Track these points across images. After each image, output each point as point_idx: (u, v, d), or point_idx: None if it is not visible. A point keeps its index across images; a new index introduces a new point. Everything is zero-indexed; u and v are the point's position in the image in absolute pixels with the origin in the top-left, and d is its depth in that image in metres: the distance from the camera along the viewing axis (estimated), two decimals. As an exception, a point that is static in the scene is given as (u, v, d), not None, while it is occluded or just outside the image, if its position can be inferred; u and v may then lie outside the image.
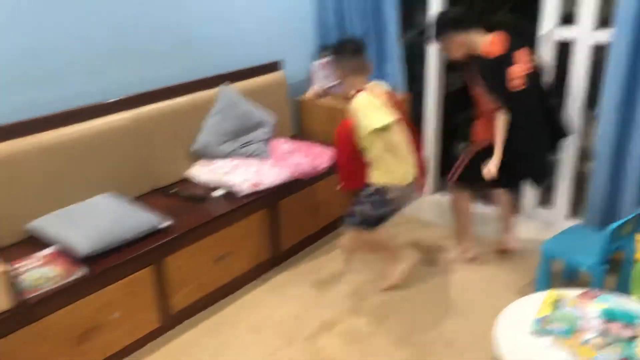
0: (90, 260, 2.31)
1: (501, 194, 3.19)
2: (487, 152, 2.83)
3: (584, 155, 3.41)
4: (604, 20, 3.04)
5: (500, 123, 2.73)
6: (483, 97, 2.84)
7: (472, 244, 3.19)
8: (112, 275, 2.33)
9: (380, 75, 3.85)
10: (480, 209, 3.54)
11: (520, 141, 2.79)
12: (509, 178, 2.94)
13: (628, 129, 2.91)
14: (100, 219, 2.43)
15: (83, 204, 2.61)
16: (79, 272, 2.23)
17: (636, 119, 2.83)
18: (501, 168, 2.80)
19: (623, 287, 2.62)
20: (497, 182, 2.89)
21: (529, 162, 2.92)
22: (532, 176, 2.99)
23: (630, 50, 2.77)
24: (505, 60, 2.73)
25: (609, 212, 3.07)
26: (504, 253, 3.24)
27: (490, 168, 2.78)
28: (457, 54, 2.86)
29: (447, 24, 2.84)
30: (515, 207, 3.27)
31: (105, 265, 2.31)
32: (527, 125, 2.78)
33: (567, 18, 3.14)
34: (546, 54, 3.18)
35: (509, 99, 2.71)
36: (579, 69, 3.10)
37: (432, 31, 2.89)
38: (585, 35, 3.02)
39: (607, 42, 2.88)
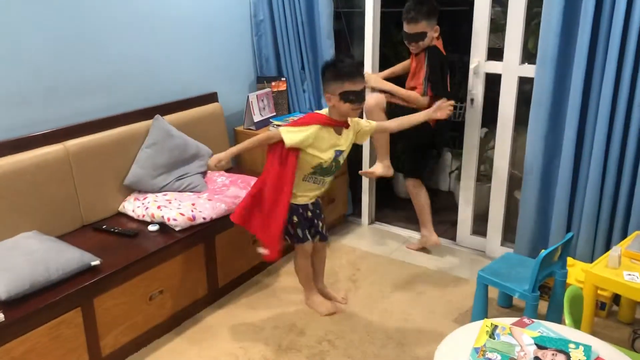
0: (11, 304, 2.17)
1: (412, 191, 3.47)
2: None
3: (517, 183, 3.54)
4: (532, 54, 3.19)
5: (421, 99, 3.13)
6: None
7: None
8: (35, 319, 2.18)
9: (319, 108, 3.89)
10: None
11: (428, 133, 3.21)
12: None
13: (553, 158, 3.04)
14: (22, 259, 2.29)
15: (4, 243, 2.45)
16: (-2, 318, 2.08)
17: (561, 148, 2.96)
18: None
19: (555, 313, 2.70)
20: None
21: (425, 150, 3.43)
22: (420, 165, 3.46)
23: (553, 84, 2.91)
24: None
25: (538, 240, 3.18)
26: (426, 250, 3.57)
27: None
28: (427, 42, 3.11)
29: (434, 13, 3.10)
30: (423, 203, 3.47)
31: (27, 309, 2.17)
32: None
33: (498, 51, 3.29)
34: (477, 85, 3.30)
35: (442, 90, 3.12)
36: (507, 100, 3.22)
37: (424, 13, 3.06)
38: (511, 69, 3.16)
39: (532, 76, 3.01)
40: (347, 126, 2.66)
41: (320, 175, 2.71)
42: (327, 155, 2.62)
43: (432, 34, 3.11)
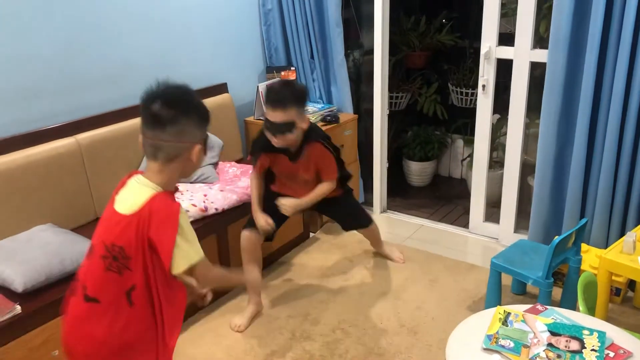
0: (28, 296, 2.20)
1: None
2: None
3: (529, 169, 3.51)
4: (544, 39, 3.15)
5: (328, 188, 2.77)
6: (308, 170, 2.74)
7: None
8: (51, 311, 2.20)
9: (328, 97, 3.87)
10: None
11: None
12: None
13: (567, 144, 3.01)
14: (38, 251, 2.32)
15: (19, 236, 2.48)
16: (15, 310, 2.11)
17: (575, 133, 2.93)
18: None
19: (569, 299, 2.68)
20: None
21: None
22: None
23: (565, 68, 2.87)
24: None
25: (552, 226, 3.16)
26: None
27: (286, 203, 2.69)
28: (293, 137, 2.57)
29: (304, 100, 2.60)
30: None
31: (43, 300, 2.20)
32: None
33: (509, 37, 3.25)
34: (489, 71, 3.27)
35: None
36: (519, 86, 3.19)
37: (294, 97, 2.52)
38: (523, 54, 3.12)
39: (544, 61, 2.98)
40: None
41: None
42: None
43: (302, 126, 2.56)
